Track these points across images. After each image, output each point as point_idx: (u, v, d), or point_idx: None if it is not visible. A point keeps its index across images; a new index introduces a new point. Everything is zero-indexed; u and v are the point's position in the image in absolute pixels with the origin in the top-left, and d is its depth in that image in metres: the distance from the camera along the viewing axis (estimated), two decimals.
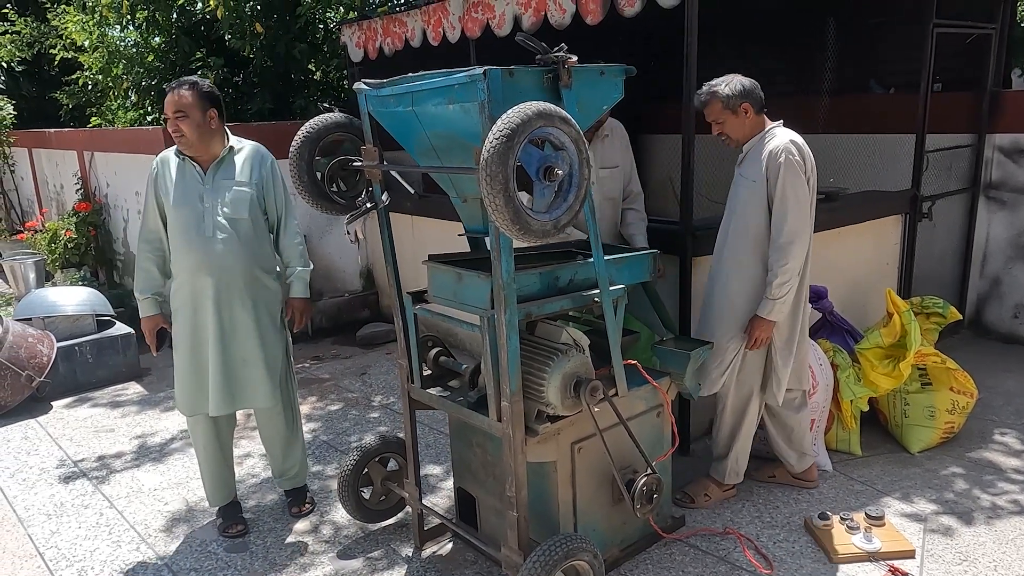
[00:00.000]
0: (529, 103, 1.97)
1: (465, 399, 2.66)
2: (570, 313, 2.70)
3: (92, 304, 5.23)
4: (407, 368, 2.84)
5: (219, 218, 2.97)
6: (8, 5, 9.59)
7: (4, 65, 9.58)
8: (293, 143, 2.68)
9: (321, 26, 6.53)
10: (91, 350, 5.07)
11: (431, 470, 3.70)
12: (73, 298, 5.20)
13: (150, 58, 6.99)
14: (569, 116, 2.04)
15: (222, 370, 3.02)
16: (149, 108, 7.11)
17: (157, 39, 7.01)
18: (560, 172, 2.01)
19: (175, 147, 3.04)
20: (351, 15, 6.43)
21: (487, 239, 2.68)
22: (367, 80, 2.57)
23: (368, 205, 2.67)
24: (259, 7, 6.34)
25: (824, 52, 5.31)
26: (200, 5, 6.14)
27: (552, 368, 2.39)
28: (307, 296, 3.22)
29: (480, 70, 2.09)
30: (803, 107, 5.11)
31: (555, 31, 4.00)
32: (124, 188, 6.41)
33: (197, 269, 2.97)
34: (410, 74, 2.41)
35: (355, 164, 2.71)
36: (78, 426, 4.45)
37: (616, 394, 2.62)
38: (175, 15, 6.62)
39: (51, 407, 4.76)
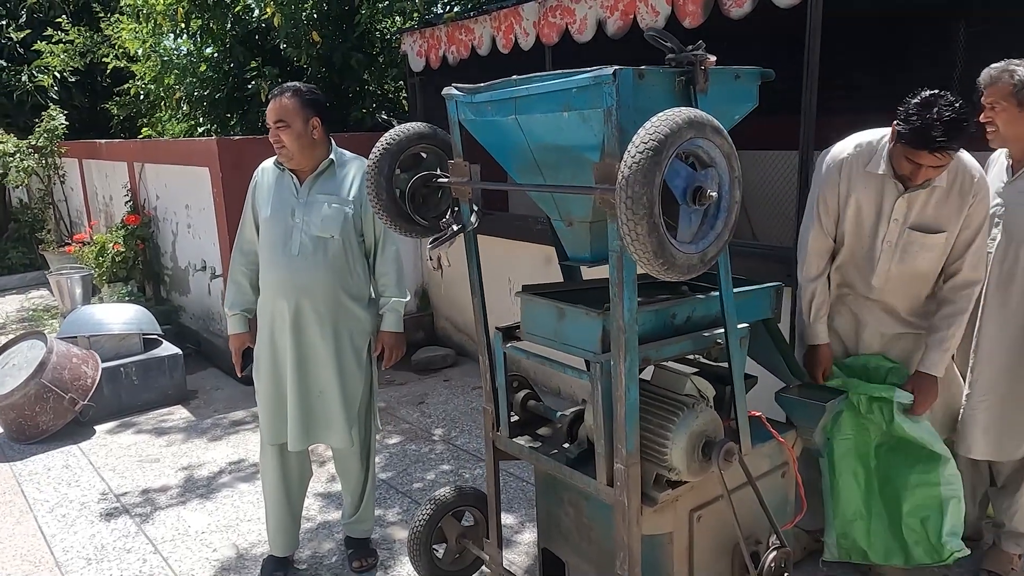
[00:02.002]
0: (677, 109, 1.61)
1: (563, 454, 2.30)
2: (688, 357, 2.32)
3: (139, 322, 4.99)
4: (493, 414, 2.48)
5: (308, 236, 2.72)
6: (63, 15, 9.56)
7: (57, 75, 9.52)
8: (371, 156, 2.36)
9: (379, 35, 6.27)
10: (137, 371, 4.82)
11: (505, 519, 3.33)
12: (120, 316, 4.97)
13: (203, 68, 6.80)
14: (722, 127, 1.67)
15: (299, 401, 2.75)
16: (201, 119, 6.91)
17: (210, 49, 6.83)
18: (713, 194, 1.64)
19: (276, 157, 2.81)
20: (409, 24, 6.17)
21: (584, 267, 2.34)
22: (459, 85, 2.24)
23: (455, 228, 2.33)
24: (315, 16, 6.10)
25: (952, 60, 4.83)
26: (257, 12, 5.92)
27: (677, 426, 2.01)
28: (400, 330, 2.92)
29: (608, 70, 1.74)
30: None
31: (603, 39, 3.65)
32: (173, 201, 6.20)
33: (277, 289, 2.73)
34: (514, 76, 2.07)
35: (440, 180, 2.38)
36: (122, 454, 4.18)
37: (741, 452, 2.23)
38: (230, 24, 6.42)
39: (94, 432, 4.51)
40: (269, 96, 2.78)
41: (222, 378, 5.43)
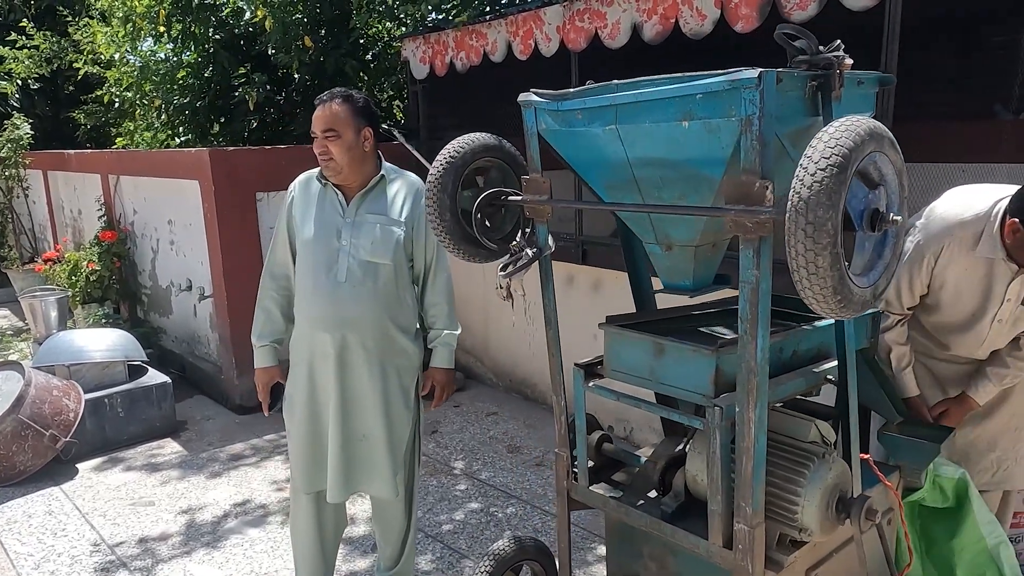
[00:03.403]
0: (855, 118, 1.36)
1: (656, 506, 2.03)
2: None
3: (123, 348, 4.59)
4: (567, 460, 2.20)
5: (356, 260, 2.42)
6: (25, 19, 9.03)
7: (20, 82, 8.98)
8: (433, 171, 2.07)
9: (375, 41, 5.97)
10: (122, 402, 4.42)
11: None
12: (102, 342, 4.56)
13: (181, 74, 6.42)
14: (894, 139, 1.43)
15: (341, 448, 2.44)
16: (181, 129, 6.51)
17: (188, 55, 6.45)
18: (897, 218, 1.39)
19: (318, 169, 2.49)
20: (402, 30, 5.89)
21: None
22: (540, 91, 1.97)
23: (529, 252, 2.06)
24: (307, 20, 5.77)
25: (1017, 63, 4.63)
26: (248, 16, 5.58)
27: (808, 480, 1.76)
28: (452, 367, 2.63)
29: (751, 72, 1.50)
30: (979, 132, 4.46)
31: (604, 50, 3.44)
32: (154, 215, 5.80)
33: (320, 320, 2.42)
34: (615, 81, 1.81)
35: (512, 199, 2.10)
36: (111, 497, 3.79)
37: None
38: (213, 28, 6.05)
39: (77, 471, 4.11)
40: (316, 102, 2.46)
41: (212, 406, 5.05)
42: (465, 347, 5.31)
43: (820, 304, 1.34)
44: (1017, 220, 2.11)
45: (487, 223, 2.17)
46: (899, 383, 2.48)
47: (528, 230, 2.14)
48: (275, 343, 2.57)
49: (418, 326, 2.58)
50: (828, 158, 1.28)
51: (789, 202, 1.31)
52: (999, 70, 4.98)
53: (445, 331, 2.58)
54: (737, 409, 1.69)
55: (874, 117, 1.56)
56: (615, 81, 1.80)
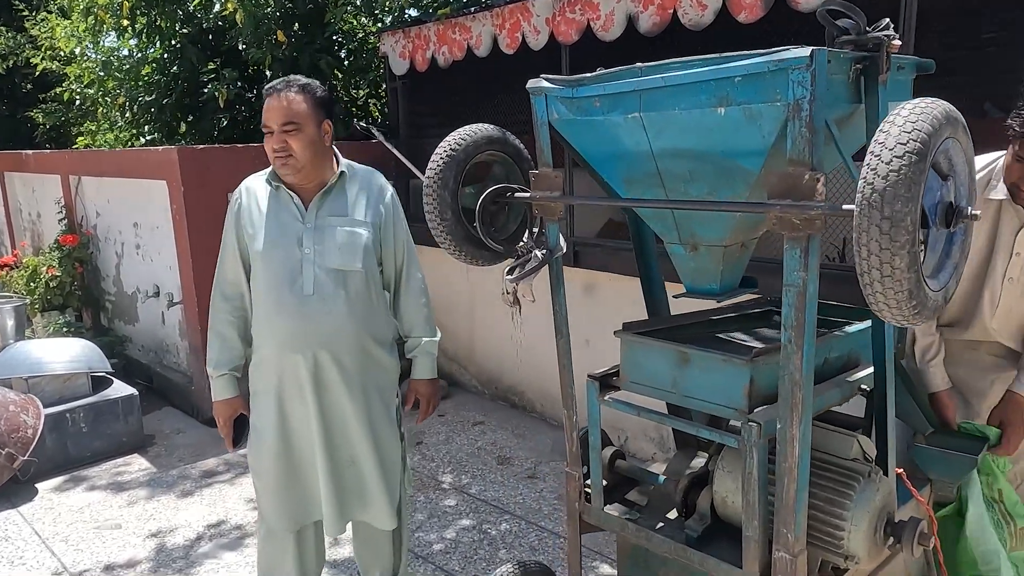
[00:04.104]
0: (929, 100, 1.21)
1: (680, 530, 1.87)
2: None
3: (87, 360, 4.32)
4: (579, 481, 2.03)
5: (323, 269, 2.17)
6: None
7: None
8: (431, 166, 1.89)
9: (352, 35, 5.75)
10: (86, 417, 4.15)
11: None
12: (63, 353, 4.28)
13: (145, 70, 6.13)
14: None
15: (331, 476, 2.22)
16: (147, 128, 6.22)
17: (153, 50, 6.16)
18: (976, 212, 1.24)
19: (266, 172, 2.25)
20: (377, 26, 5.68)
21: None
22: (551, 76, 1.80)
23: (539, 253, 1.88)
24: (279, 14, 5.53)
25: None
26: (217, 8, 5.31)
27: (854, 502, 1.61)
28: (436, 377, 2.42)
29: (803, 51, 1.34)
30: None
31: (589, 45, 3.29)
32: (118, 218, 5.51)
33: (288, 341, 2.16)
34: (638, 64, 1.64)
35: (519, 195, 1.92)
36: (74, 519, 3.53)
37: None
38: (179, 22, 5.78)
39: (36, 491, 3.83)
40: (265, 93, 2.21)
41: (182, 419, 4.79)
42: (448, 354, 5.11)
43: (892, 311, 1.18)
44: (1010, 119, 2.01)
45: (490, 223, 1.99)
46: (925, 377, 2.32)
47: (536, 230, 1.97)
48: (234, 371, 2.31)
49: (392, 336, 2.37)
50: (905, 144, 1.12)
51: (859, 195, 1.15)
52: (990, 65, 4.92)
53: (425, 338, 2.37)
54: (779, 425, 1.54)
55: None
56: (639, 64, 1.64)
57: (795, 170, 1.38)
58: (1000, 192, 2.12)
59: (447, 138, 1.91)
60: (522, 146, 2.04)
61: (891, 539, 1.63)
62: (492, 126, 1.98)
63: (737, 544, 1.78)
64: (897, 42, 1.52)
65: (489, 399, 4.88)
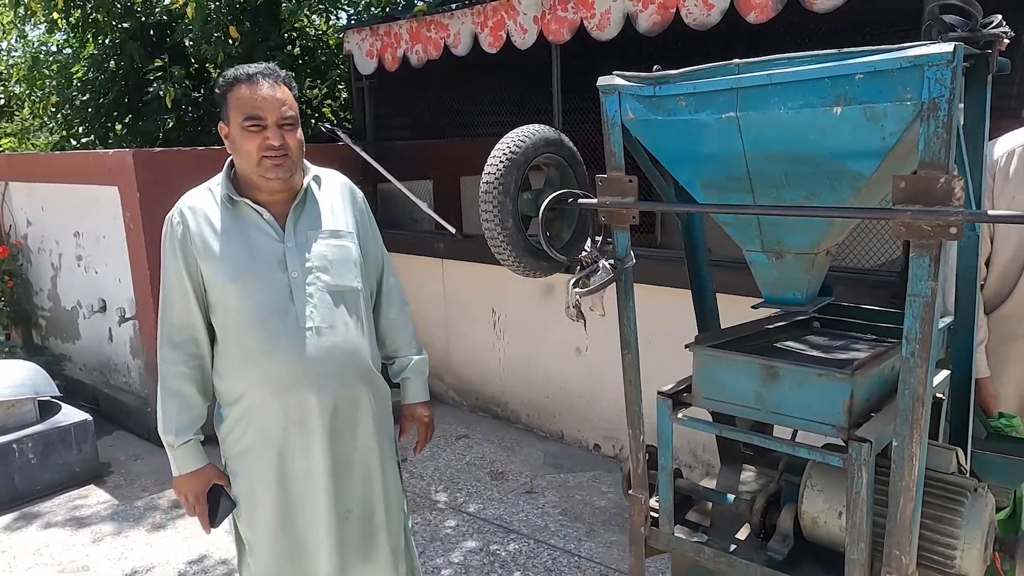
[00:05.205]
0: None
1: (760, 553, 1.77)
2: None
3: (33, 384, 3.93)
4: (644, 504, 1.91)
5: (320, 293, 1.89)
6: None
7: None
8: (489, 170, 1.74)
9: (308, 34, 5.48)
10: (34, 447, 3.78)
11: None
12: (5, 377, 3.88)
13: (77, 68, 5.68)
14: None
15: (337, 528, 1.95)
16: (81, 130, 5.77)
17: (90, 46, 5.73)
18: None
19: (211, 186, 1.92)
20: (339, 23, 5.44)
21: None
22: (626, 73, 1.67)
23: (608, 264, 1.75)
24: (229, 9, 5.21)
25: None
26: (167, 1, 4.94)
27: (965, 519, 1.54)
28: (428, 399, 2.20)
29: (946, 47, 1.26)
30: None
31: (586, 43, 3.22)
32: (55, 227, 5.08)
33: (291, 385, 1.86)
34: (735, 61, 1.53)
35: (584, 202, 1.79)
36: (32, 563, 3.18)
37: None
38: (119, 16, 5.38)
39: None
40: (239, 78, 1.83)
41: (138, 443, 4.44)
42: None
43: None
44: None
45: (548, 231, 1.85)
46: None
47: (600, 238, 1.84)
48: (198, 435, 1.93)
49: (381, 358, 2.12)
50: None
51: None
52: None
53: (415, 357, 2.14)
54: (895, 443, 1.45)
55: None
56: (735, 61, 1.53)
57: (928, 173, 1.30)
58: None
59: (504, 140, 1.76)
60: (575, 148, 1.91)
61: (1001, 555, 1.57)
62: (548, 127, 1.84)
63: (826, 567, 1.70)
64: (1006, 40, 1.47)
65: (468, 410, 4.71)
